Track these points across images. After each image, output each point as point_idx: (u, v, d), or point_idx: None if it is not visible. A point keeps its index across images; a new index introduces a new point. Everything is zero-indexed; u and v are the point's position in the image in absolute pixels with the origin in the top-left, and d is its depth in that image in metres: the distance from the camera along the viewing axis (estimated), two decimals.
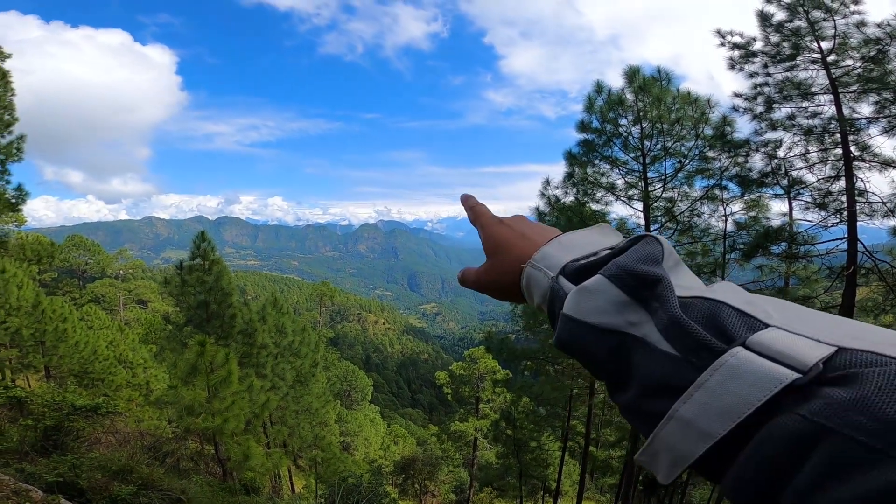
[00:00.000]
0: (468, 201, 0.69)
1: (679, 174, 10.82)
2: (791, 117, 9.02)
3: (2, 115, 13.53)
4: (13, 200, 14.42)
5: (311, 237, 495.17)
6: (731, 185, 10.41)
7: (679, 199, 10.85)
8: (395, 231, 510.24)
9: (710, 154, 10.36)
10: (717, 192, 10.49)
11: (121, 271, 51.36)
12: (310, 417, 22.25)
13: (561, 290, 0.44)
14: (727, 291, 0.36)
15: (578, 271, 0.45)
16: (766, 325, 0.32)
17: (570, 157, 11.59)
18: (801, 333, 0.30)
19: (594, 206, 11.45)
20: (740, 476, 0.30)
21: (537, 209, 12.28)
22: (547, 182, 11.95)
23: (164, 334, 18.35)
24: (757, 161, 9.74)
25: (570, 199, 11.74)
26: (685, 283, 0.40)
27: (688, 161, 10.63)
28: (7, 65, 13.71)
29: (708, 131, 10.08)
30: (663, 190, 10.95)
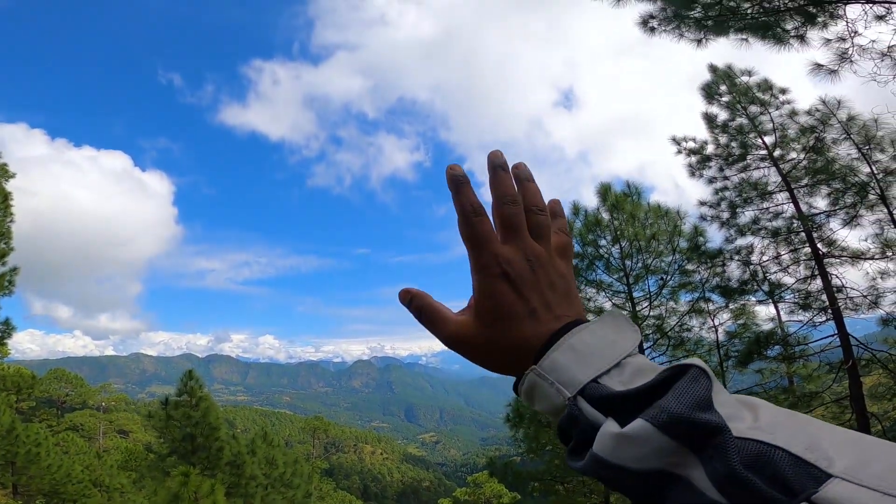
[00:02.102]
0: (461, 193, 0.50)
1: (663, 290, 10.97)
2: (756, 221, 9.40)
3: None
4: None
5: (303, 374, 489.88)
6: (715, 296, 10.52)
7: (667, 315, 10.92)
8: (390, 366, 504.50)
9: (690, 267, 10.59)
10: (702, 304, 10.57)
11: (103, 403, 50.71)
12: None
13: (582, 416, 0.41)
14: (779, 429, 0.34)
15: (608, 399, 0.40)
16: (829, 476, 0.30)
17: None
18: (868, 486, 0.28)
19: None
20: None
21: None
22: None
23: (146, 463, 18.04)
24: (734, 269, 9.97)
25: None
26: (725, 408, 0.37)
27: (669, 277, 10.86)
28: (10, 185, 13.09)
29: (683, 244, 10.44)
30: (650, 308, 11.03)
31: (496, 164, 0.51)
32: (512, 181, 0.52)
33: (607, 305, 11.45)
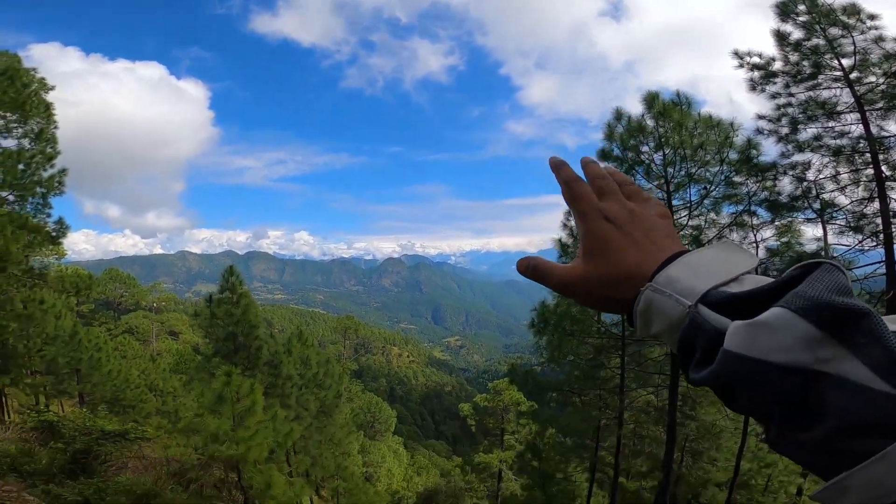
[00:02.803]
0: (561, 172, 0.56)
1: (705, 201, 10.55)
2: (818, 138, 8.76)
3: (44, 148, 13.57)
4: (54, 234, 14.59)
5: (336, 271, 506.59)
6: (761, 211, 10.06)
7: (706, 226, 10.54)
8: (419, 265, 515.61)
9: (737, 179, 10.07)
10: (745, 218, 10.16)
11: (154, 304, 53.43)
12: (333, 447, 22.41)
13: (707, 322, 0.39)
14: None
15: (731, 301, 0.39)
16: None
17: None
18: None
19: None
20: None
21: (560, 241, 12.20)
22: (568, 213, 11.78)
23: (194, 364, 18.83)
24: (786, 184, 9.43)
25: None
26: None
27: (713, 187, 10.37)
28: (50, 96, 13.77)
29: (733, 155, 9.85)
30: (689, 218, 10.66)
31: (585, 162, 0.58)
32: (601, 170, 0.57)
33: None
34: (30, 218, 13.67)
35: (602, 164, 0.59)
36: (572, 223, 12.03)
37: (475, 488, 30.13)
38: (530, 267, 0.56)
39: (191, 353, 24.19)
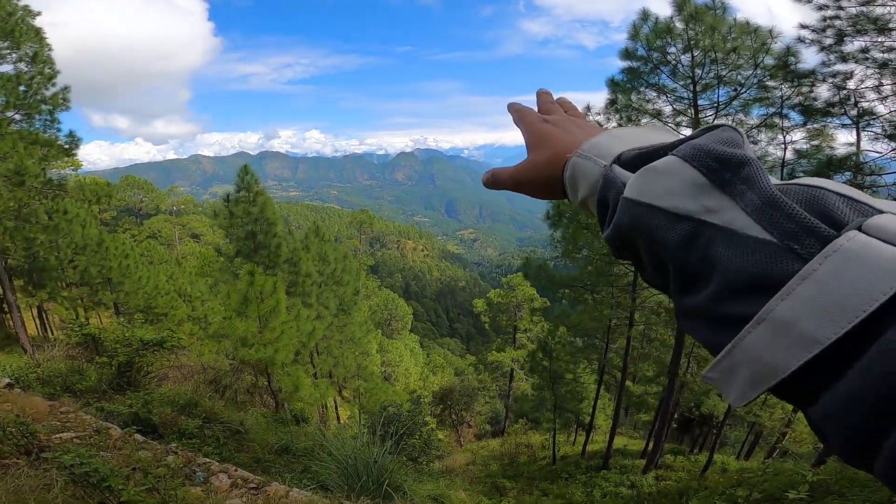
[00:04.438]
0: (513, 106, 0.65)
1: (734, 102, 10.26)
2: (864, 51, 8.18)
3: (42, 69, 14.00)
4: (66, 146, 15.42)
5: (348, 167, 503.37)
6: (793, 114, 9.76)
7: (733, 125, 10.32)
8: (432, 159, 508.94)
9: (771, 83, 9.63)
10: (776, 120, 9.89)
11: (174, 207, 54.42)
12: (353, 347, 23.52)
13: (617, 178, 0.41)
14: (826, 181, 0.31)
15: (638, 159, 0.41)
16: (881, 212, 0.28)
17: (614, 84, 11.28)
18: None
19: None
20: (850, 396, 0.24)
21: None
22: (587, 108, 11.72)
23: (217, 266, 19.24)
24: (823, 91, 8.99)
25: (612, 125, 11.48)
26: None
27: (744, 89, 10.01)
28: (38, 21, 14.11)
29: (769, 61, 9.34)
30: (715, 117, 10.49)
31: (539, 92, 0.68)
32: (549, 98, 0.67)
33: (667, 109, 11.01)
34: (40, 133, 14.46)
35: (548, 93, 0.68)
36: (590, 119, 11.79)
37: (488, 387, 32.05)
38: (489, 178, 0.61)
39: (213, 254, 24.82)
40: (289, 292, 17.32)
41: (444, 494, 7.01)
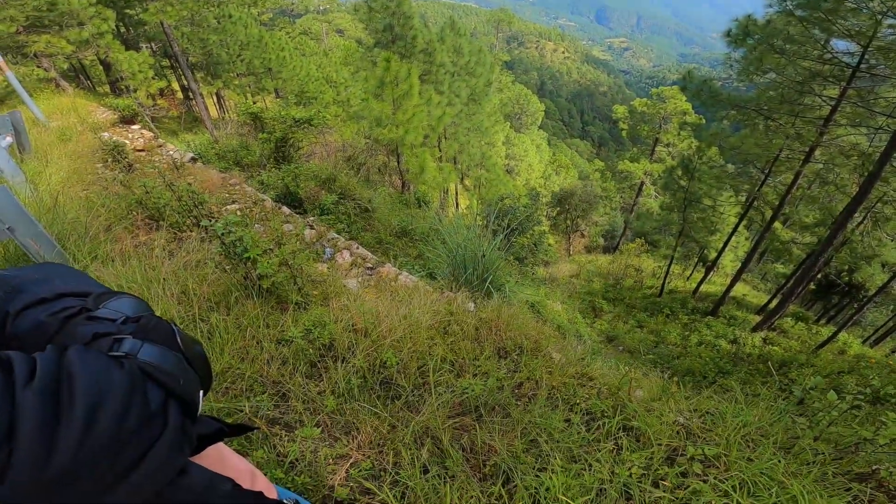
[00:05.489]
0: None
1: None
2: None
3: None
4: None
5: None
6: None
7: None
8: None
9: None
10: None
11: (321, 6, 61.07)
12: (479, 136, 23.90)
13: None
14: None
15: None
16: None
17: None
18: None
19: None
20: None
21: None
22: None
23: (358, 55, 20.86)
24: None
25: None
26: None
27: None
28: None
29: None
30: None
31: None
32: None
33: None
34: None
35: None
36: None
37: (611, 197, 30.65)
38: None
39: (355, 46, 25.79)
40: (422, 80, 18.25)
41: (541, 303, 7.25)
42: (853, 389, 6.00)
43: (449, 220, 6.12)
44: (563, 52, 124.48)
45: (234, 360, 2.25)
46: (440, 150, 20.68)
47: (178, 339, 0.57)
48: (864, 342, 15.06)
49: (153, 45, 20.13)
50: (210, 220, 2.99)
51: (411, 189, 13.65)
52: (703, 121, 23.08)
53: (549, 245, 18.51)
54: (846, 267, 13.87)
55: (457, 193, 25.53)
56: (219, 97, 23.90)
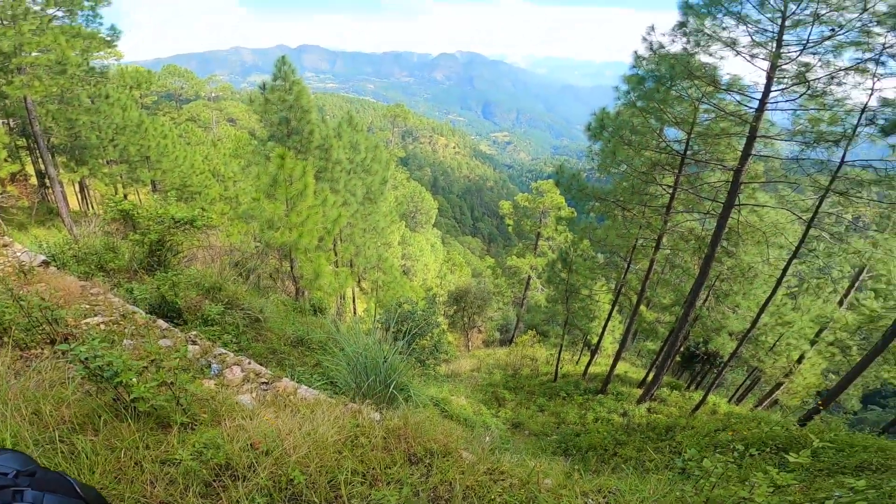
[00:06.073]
0: None
1: (826, 42, 9.36)
2: None
3: None
4: (108, 38, 16.62)
5: (387, 63, 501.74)
6: (892, 63, 8.95)
7: (819, 65, 9.57)
8: (474, 62, 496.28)
9: (876, 30, 8.72)
10: (870, 66, 9.04)
11: (212, 94, 56.62)
12: (376, 237, 23.94)
13: None
14: None
15: None
16: None
17: (687, 7, 10.44)
18: None
19: (704, 59, 10.41)
20: None
21: (636, 53, 11.55)
22: (651, 28, 11.18)
23: (250, 148, 19.80)
24: None
25: (677, 47, 10.85)
26: None
27: (842, 32, 9.10)
28: None
29: (881, 7, 8.42)
30: (800, 54, 9.64)
31: None
32: None
33: (745, 39, 10.11)
34: (82, 27, 15.52)
35: None
36: (654, 38, 11.22)
37: (503, 292, 32.60)
38: None
39: (248, 138, 25.22)
40: (317, 177, 17.81)
41: (445, 399, 7.36)
42: (728, 446, 6.71)
43: (347, 328, 6.16)
44: (455, 148, 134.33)
45: (107, 480, 2.07)
46: (336, 254, 20.50)
47: (76, 487, 0.62)
48: (729, 401, 17.27)
49: (11, 121, 18.30)
50: (68, 343, 2.81)
51: (306, 295, 13.28)
52: (575, 214, 25.95)
53: (449, 343, 18.90)
54: (701, 339, 15.89)
55: (354, 298, 25.26)
56: (82, 187, 21.47)
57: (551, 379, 18.49)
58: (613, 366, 16.21)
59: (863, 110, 9.15)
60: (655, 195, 14.49)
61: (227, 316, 6.62)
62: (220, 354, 4.75)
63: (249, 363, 4.67)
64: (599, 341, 18.20)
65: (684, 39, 10.51)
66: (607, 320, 17.34)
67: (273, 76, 16.82)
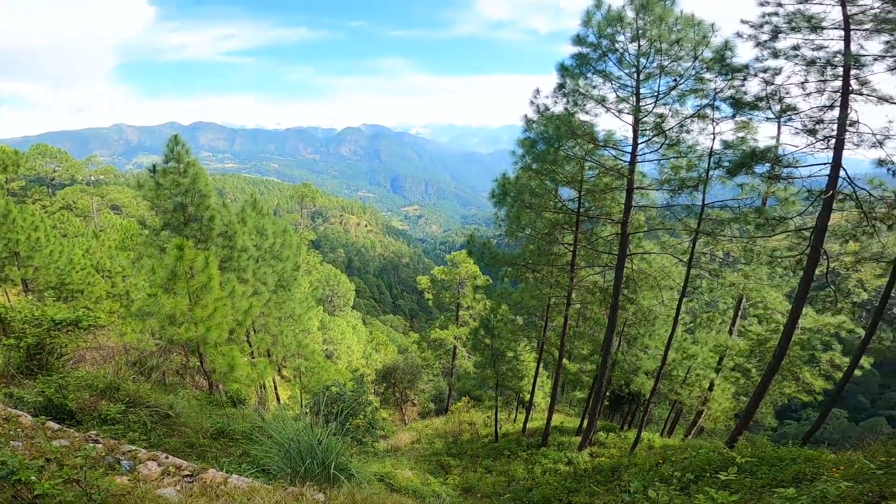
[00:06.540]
0: None
1: (672, 92, 10.93)
2: (796, 48, 8.86)
3: None
4: None
5: (291, 140, 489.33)
6: (724, 106, 10.55)
7: (670, 115, 11.12)
8: (379, 135, 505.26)
9: (707, 76, 10.33)
10: (708, 111, 10.63)
11: (91, 177, 50.38)
12: (293, 324, 22.59)
13: None
14: None
15: None
16: None
17: (563, 69, 11.67)
18: None
19: (583, 117, 11.71)
20: None
21: (526, 117, 12.66)
22: (537, 91, 12.23)
23: (141, 239, 18.00)
24: (753, 85, 9.71)
25: (559, 108, 12.07)
26: None
27: (683, 80, 10.69)
28: None
29: (707, 54, 10.00)
30: (655, 106, 11.14)
31: None
32: None
33: (611, 96, 11.55)
34: None
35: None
36: (540, 101, 12.36)
37: (431, 365, 32.41)
38: None
39: (137, 227, 22.93)
40: (223, 267, 16.42)
41: (390, 474, 7.00)
42: (671, 476, 6.91)
43: (272, 415, 5.79)
44: (367, 226, 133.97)
45: None
46: (251, 345, 19.19)
47: None
48: (661, 434, 18.10)
49: None
50: None
51: (221, 388, 12.20)
52: (490, 281, 26.91)
53: (384, 419, 18.08)
54: (623, 381, 16.70)
55: (276, 386, 23.57)
56: None
57: (493, 440, 18.34)
58: (549, 419, 16.40)
59: (710, 154, 10.62)
60: (560, 254, 15.46)
61: (130, 414, 5.96)
62: (129, 451, 4.28)
63: (167, 457, 4.26)
64: (531, 398, 18.46)
65: (564, 100, 11.77)
66: (535, 377, 17.73)
67: (164, 157, 14.95)
